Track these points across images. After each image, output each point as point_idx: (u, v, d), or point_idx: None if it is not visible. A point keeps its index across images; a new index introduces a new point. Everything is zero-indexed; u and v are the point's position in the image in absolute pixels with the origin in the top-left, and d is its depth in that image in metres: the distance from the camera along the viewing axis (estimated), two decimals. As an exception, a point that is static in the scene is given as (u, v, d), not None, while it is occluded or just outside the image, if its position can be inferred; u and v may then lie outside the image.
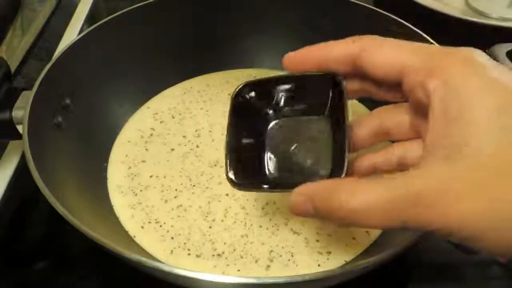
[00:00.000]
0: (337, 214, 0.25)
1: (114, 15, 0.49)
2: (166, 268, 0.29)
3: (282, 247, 0.40)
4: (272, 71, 0.58)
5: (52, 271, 0.41)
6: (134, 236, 0.41)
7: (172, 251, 0.40)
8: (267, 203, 0.43)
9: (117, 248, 0.30)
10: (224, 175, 0.34)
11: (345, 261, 0.39)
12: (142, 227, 0.42)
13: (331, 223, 0.27)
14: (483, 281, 0.41)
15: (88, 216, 0.37)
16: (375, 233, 0.41)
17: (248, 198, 0.44)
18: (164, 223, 0.42)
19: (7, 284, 0.41)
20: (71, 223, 0.31)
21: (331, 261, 0.39)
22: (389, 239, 0.40)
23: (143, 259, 0.29)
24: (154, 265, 0.29)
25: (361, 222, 0.25)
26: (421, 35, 0.46)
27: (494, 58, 0.43)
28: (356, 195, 0.24)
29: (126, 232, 0.41)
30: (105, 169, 0.47)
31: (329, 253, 0.40)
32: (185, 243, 0.40)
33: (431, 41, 0.45)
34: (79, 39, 0.46)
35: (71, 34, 0.68)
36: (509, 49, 0.44)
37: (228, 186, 0.44)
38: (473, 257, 0.43)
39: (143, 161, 0.48)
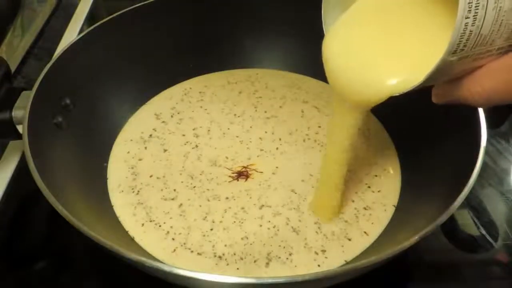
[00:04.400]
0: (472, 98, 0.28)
1: (114, 15, 0.49)
2: (166, 268, 0.29)
3: (284, 247, 0.40)
4: (272, 71, 0.58)
5: (52, 271, 0.41)
6: (134, 236, 0.41)
7: (173, 251, 0.40)
8: (263, 206, 0.43)
9: (117, 248, 0.30)
10: None
11: (345, 261, 0.39)
12: (143, 224, 0.42)
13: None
14: (483, 281, 0.41)
15: (88, 216, 0.37)
16: (374, 234, 0.41)
17: (247, 199, 0.44)
18: (164, 223, 0.42)
19: (7, 284, 0.41)
20: (71, 223, 0.31)
21: (330, 262, 0.39)
22: (389, 239, 0.40)
23: (143, 259, 0.29)
24: (154, 265, 0.29)
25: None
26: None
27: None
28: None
29: (126, 232, 0.41)
30: (105, 169, 0.47)
31: (325, 252, 0.40)
32: (185, 243, 0.40)
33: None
34: (79, 39, 0.46)
35: (71, 34, 0.68)
36: (509, 49, 0.44)
37: (227, 186, 0.44)
38: (473, 257, 0.43)
39: (144, 161, 0.48)
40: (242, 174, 0.46)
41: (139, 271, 0.32)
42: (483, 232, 0.44)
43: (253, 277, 0.30)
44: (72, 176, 0.41)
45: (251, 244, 0.40)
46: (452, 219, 0.42)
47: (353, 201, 0.44)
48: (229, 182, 0.45)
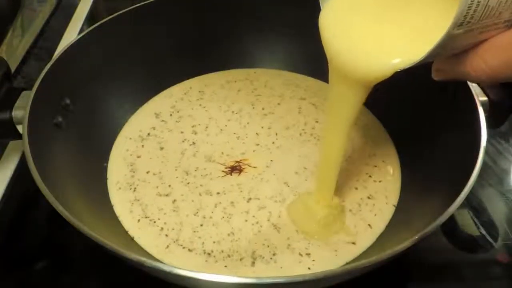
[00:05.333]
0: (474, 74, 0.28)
1: (114, 15, 0.49)
2: (166, 268, 0.29)
3: (268, 245, 0.40)
4: (272, 70, 0.58)
5: (52, 271, 0.41)
6: (134, 236, 0.41)
7: (166, 247, 0.40)
8: (250, 199, 0.44)
9: (117, 248, 0.30)
10: None
11: (346, 262, 0.39)
12: (139, 221, 0.42)
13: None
14: (483, 281, 0.41)
15: (88, 216, 0.37)
16: (370, 241, 0.41)
17: (238, 193, 0.44)
18: (159, 219, 0.42)
19: (7, 284, 0.41)
20: (71, 223, 0.31)
21: (318, 264, 0.39)
22: (388, 239, 0.40)
23: (143, 259, 0.29)
24: (154, 265, 0.29)
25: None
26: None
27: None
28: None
29: (125, 232, 0.41)
30: (105, 169, 0.47)
31: (308, 254, 0.40)
32: (177, 239, 0.41)
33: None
34: (79, 39, 0.46)
35: (71, 34, 0.68)
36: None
37: (220, 181, 0.45)
38: (473, 257, 0.43)
39: (141, 158, 0.48)
40: (235, 169, 0.46)
41: (139, 271, 0.32)
42: (483, 232, 0.44)
43: (253, 277, 0.30)
44: (72, 176, 0.41)
45: (236, 240, 0.40)
46: (452, 219, 0.42)
47: (356, 188, 0.45)
48: (222, 177, 0.46)
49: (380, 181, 0.45)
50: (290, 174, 0.46)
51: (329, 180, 0.40)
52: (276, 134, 0.50)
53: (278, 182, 0.45)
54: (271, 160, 0.47)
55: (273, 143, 0.49)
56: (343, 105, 0.35)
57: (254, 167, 0.47)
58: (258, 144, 0.49)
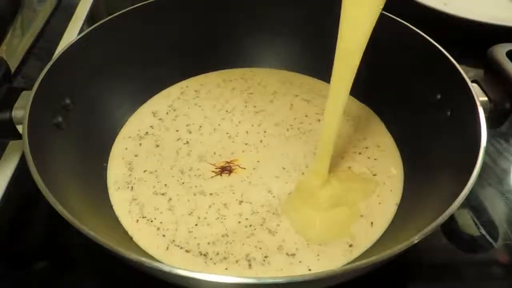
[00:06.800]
0: None
1: (114, 15, 0.49)
2: (166, 268, 0.29)
3: (260, 248, 0.40)
4: (271, 70, 0.58)
5: (52, 271, 0.41)
6: (133, 236, 0.41)
7: (166, 248, 0.40)
8: (242, 201, 0.44)
9: (117, 248, 0.30)
10: None
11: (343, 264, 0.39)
12: (137, 221, 0.42)
13: None
14: (483, 281, 0.41)
15: (88, 216, 0.37)
16: (366, 245, 0.41)
17: (230, 194, 0.44)
18: (155, 218, 0.42)
19: (7, 284, 0.41)
20: (71, 223, 0.31)
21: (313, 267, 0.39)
22: (389, 239, 0.40)
23: (143, 259, 0.29)
24: (154, 265, 0.29)
25: None
26: (421, 34, 0.46)
27: (494, 58, 0.43)
28: None
29: (125, 232, 0.41)
30: (105, 169, 0.47)
31: (293, 255, 0.40)
32: (174, 240, 0.41)
33: (431, 40, 0.45)
34: (79, 39, 0.46)
35: (71, 34, 0.68)
36: (509, 49, 0.44)
37: (212, 182, 0.45)
38: (473, 257, 0.43)
39: (139, 157, 0.48)
40: (225, 169, 0.47)
41: (139, 271, 0.32)
42: (483, 232, 0.44)
43: (253, 277, 0.30)
44: (72, 176, 0.41)
45: (231, 243, 0.40)
46: (452, 219, 0.42)
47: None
48: (214, 177, 0.46)
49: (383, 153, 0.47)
50: (272, 178, 0.46)
51: (328, 142, 0.41)
52: (265, 132, 0.51)
53: (263, 187, 0.45)
54: (258, 161, 0.48)
55: (261, 141, 0.50)
56: (357, 26, 0.35)
57: (243, 168, 0.47)
58: (247, 144, 0.49)
